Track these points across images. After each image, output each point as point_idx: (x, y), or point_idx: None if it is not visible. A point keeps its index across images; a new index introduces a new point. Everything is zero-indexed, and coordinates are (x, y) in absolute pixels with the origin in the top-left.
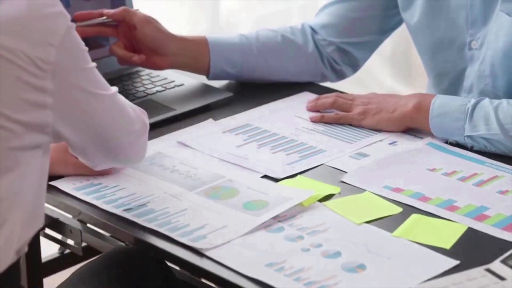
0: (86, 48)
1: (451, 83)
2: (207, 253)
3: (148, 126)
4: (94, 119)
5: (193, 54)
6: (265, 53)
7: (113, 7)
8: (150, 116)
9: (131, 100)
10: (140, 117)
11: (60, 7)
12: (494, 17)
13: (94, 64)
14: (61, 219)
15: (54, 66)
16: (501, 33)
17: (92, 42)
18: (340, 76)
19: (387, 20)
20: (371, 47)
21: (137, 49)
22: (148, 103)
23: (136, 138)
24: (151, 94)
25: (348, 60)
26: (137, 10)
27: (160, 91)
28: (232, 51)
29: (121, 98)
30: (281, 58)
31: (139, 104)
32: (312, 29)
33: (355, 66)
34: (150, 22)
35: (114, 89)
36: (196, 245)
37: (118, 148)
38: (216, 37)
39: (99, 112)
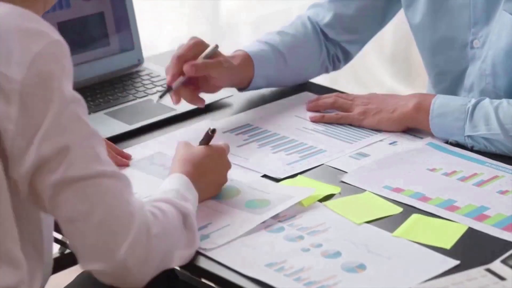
0: (81, 98)
1: (452, 82)
2: (207, 253)
3: (156, 233)
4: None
5: (241, 80)
6: (292, 64)
7: (112, 6)
8: (150, 116)
9: (130, 100)
10: (143, 218)
11: (40, 26)
12: (497, 16)
13: (78, 111)
14: None
15: (21, 87)
16: (503, 33)
17: (91, 42)
18: (335, 68)
19: (387, 14)
20: (367, 40)
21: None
22: (148, 103)
23: (130, 244)
24: (151, 94)
25: (344, 55)
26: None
27: (159, 91)
28: (270, 68)
29: (116, 181)
30: (303, 67)
31: (139, 104)
32: (319, 26)
33: (349, 59)
34: (223, 69)
35: (109, 167)
36: (200, 245)
37: (96, 250)
38: (258, 54)
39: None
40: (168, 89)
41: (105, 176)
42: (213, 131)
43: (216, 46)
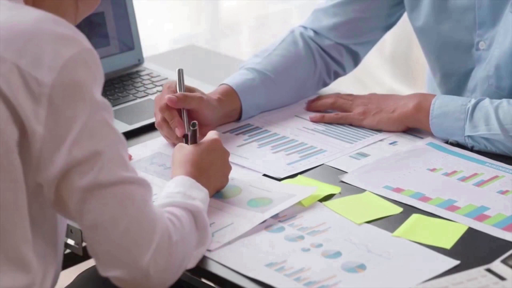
0: (107, 103)
1: (457, 83)
2: (207, 253)
3: (176, 241)
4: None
5: (228, 113)
6: (283, 87)
7: (112, 6)
8: (150, 116)
9: (130, 100)
10: (165, 226)
11: (73, 33)
12: (504, 18)
13: (106, 117)
14: None
15: (51, 91)
16: (508, 35)
17: (91, 42)
18: (339, 77)
19: (392, 16)
20: (375, 42)
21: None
22: (148, 103)
23: (153, 252)
24: (151, 94)
25: (353, 60)
26: (193, 90)
27: (160, 91)
28: (259, 96)
29: (141, 189)
30: (297, 88)
31: (139, 104)
32: (316, 32)
33: (357, 63)
34: (207, 103)
35: (135, 173)
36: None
37: (119, 257)
38: (242, 85)
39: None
40: (186, 137)
41: (132, 182)
42: (193, 124)
43: (180, 71)
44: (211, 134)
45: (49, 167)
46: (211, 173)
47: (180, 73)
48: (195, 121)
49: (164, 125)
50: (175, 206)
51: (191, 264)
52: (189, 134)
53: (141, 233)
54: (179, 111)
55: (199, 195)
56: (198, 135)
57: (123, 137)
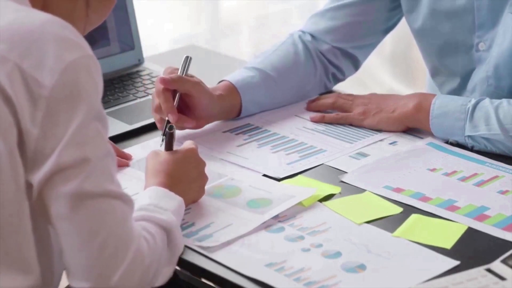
0: (103, 113)
1: (457, 83)
2: (207, 253)
3: (148, 263)
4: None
5: (228, 109)
6: (283, 87)
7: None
8: (150, 116)
9: (130, 100)
10: (139, 247)
11: (78, 39)
12: (503, 19)
13: (100, 128)
14: None
15: (50, 94)
16: (508, 35)
17: (91, 42)
18: (339, 81)
19: (390, 19)
20: (374, 46)
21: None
22: (148, 103)
23: (123, 271)
24: (151, 94)
25: (352, 64)
26: (192, 76)
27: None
28: (259, 93)
29: (124, 205)
30: (297, 89)
31: (139, 104)
32: (313, 36)
33: (357, 67)
34: (203, 88)
35: (119, 188)
36: (203, 244)
37: (90, 270)
38: (242, 81)
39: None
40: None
41: (115, 197)
42: (171, 127)
43: (187, 58)
44: (188, 143)
45: (40, 168)
46: (186, 183)
47: (187, 60)
48: (172, 124)
49: (160, 110)
50: (149, 221)
51: (159, 282)
52: (165, 137)
53: (115, 250)
54: (175, 96)
55: (171, 205)
56: (174, 139)
57: (113, 152)
